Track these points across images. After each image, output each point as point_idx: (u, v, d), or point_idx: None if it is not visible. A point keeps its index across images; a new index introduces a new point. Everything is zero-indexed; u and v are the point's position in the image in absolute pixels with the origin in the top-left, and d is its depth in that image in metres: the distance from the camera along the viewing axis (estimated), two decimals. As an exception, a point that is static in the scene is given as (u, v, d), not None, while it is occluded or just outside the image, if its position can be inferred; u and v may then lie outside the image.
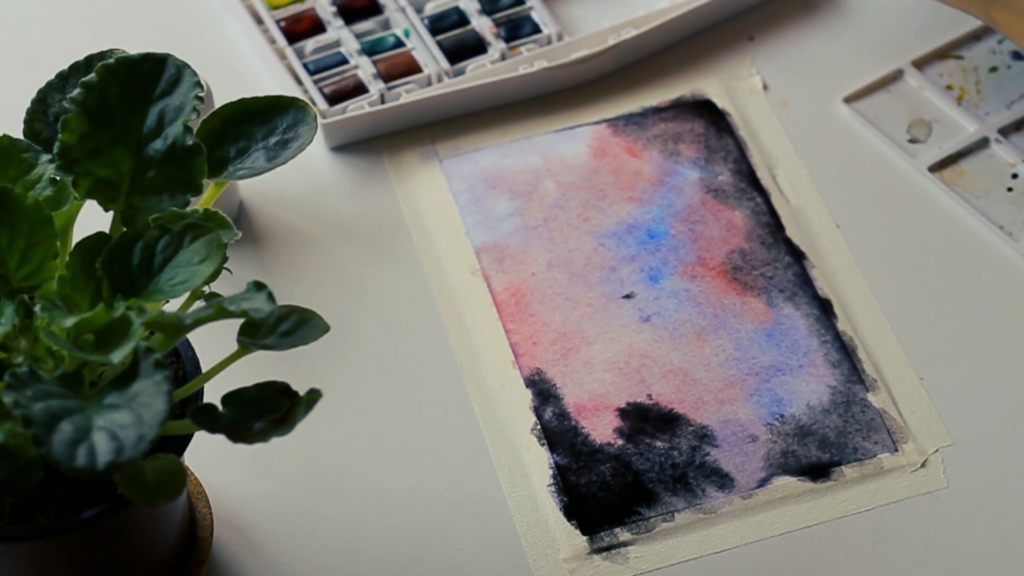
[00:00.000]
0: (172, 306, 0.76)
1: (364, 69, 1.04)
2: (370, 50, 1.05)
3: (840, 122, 1.03)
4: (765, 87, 1.05)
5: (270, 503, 0.87)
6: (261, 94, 0.80)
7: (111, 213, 0.76)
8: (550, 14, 1.06)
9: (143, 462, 0.71)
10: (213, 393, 0.74)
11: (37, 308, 0.71)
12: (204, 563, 0.83)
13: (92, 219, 0.79)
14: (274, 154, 0.79)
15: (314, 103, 1.02)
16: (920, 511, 0.87)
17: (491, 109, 1.03)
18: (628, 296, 0.95)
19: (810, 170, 1.01)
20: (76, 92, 0.75)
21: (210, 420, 0.71)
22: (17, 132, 0.78)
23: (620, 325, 0.94)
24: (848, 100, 1.04)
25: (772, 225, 0.98)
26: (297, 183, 1.00)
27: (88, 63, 0.79)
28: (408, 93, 1.02)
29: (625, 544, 0.86)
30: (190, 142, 0.76)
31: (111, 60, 0.76)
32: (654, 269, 0.96)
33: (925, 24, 1.07)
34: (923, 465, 0.89)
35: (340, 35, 1.06)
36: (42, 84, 0.79)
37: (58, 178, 0.76)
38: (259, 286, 0.72)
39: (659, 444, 0.89)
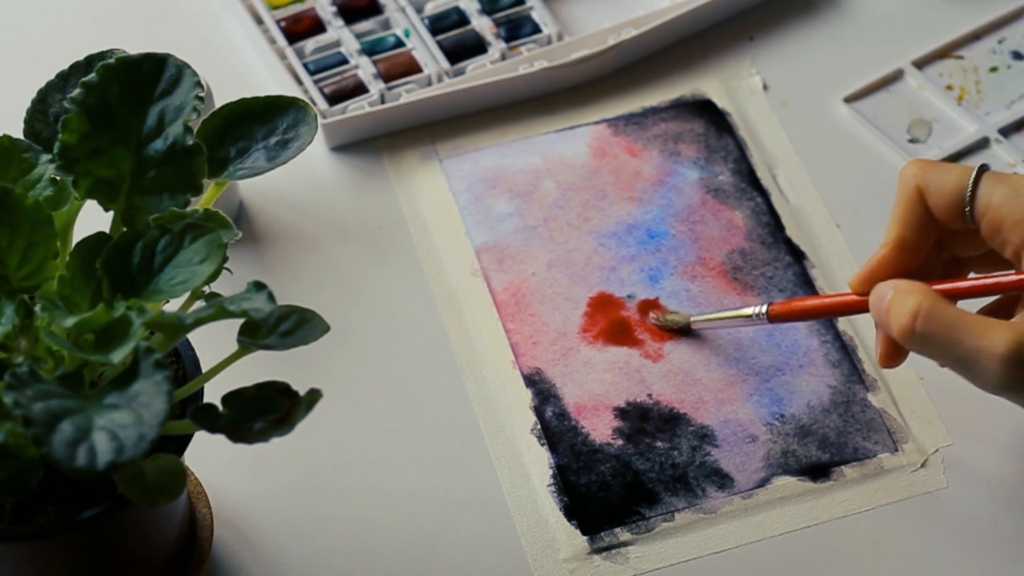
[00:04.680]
0: (172, 306, 0.76)
1: (364, 69, 1.04)
2: (370, 50, 1.05)
3: (840, 122, 1.03)
4: (765, 87, 1.05)
5: (270, 503, 0.87)
6: (261, 94, 0.80)
7: (111, 213, 0.76)
8: (550, 14, 1.06)
9: (143, 462, 0.71)
10: (213, 393, 0.74)
11: (37, 308, 0.71)
12: (204, 563, 0.83)
13: (92, 219, 0.79)
14: (274, 154, 0.79)
15: (314, 103, 1.02)
16: (920, 511, 0.87)
17: (491, 109, 1.03)
18: (628, 297, 0.95)
19: (810, 170, 1.01)
20: (76, 92, 0.75)
21: (210, 420, 0.71)
22: (17, 132, 0.78)
23: (620, 325, 0.94)
24: (848, 100, 1.04)
25: (772, 225, 0.98)
26: (297, 183, 1.00)
27: (88, 63, 0.78)
28: (408, 93, 1.02)
29: (625, 544, 0.86)
30: (190, 142, 0.75)
31: (111, 60, 0.76)
32: (654, 269, 0.96)
33: (925, 24, 1.07)
34: (923, 465, 0.89)
35: (340, 35, 1.06)
36: (42, 84, 0.79)
37: (58, 178, 0.76)
38: (259, 286, 0.72)
39: (659, 444, 0.89)
